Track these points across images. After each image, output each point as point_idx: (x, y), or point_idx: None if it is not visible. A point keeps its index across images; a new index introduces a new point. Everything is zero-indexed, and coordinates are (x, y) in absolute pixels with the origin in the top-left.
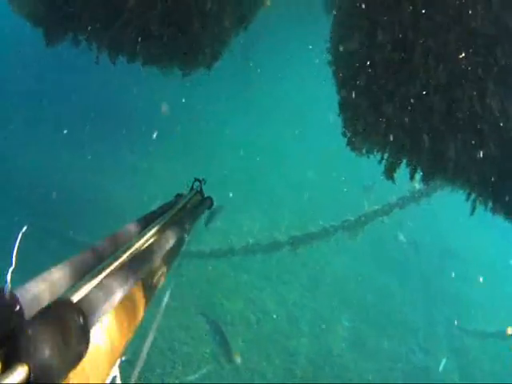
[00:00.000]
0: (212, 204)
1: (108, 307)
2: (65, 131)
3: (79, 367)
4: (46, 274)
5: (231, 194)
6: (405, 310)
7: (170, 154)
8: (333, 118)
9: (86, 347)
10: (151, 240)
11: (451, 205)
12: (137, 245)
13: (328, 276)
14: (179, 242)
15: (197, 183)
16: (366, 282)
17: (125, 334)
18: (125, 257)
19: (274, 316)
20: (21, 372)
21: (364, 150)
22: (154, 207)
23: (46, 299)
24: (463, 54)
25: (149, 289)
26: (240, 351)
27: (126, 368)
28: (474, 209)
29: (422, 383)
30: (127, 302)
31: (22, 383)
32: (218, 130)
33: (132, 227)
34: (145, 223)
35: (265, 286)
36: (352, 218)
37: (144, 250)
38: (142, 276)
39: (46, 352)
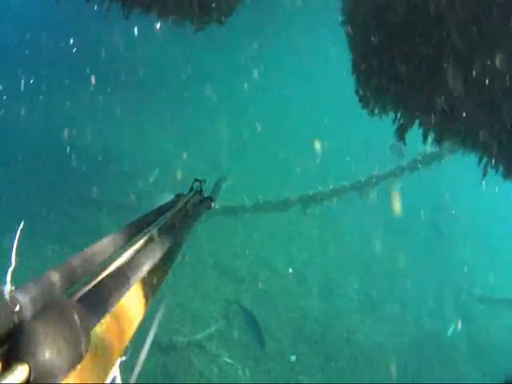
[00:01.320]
0: (212, 204)
1: (108, 307)
2: (77, 92)
3: (79, 367)
4: (46, 274)
5: (244, 158)
6: (414, 275)
7: (180, 115)
8: (345, 81)
9: (86, 347)
10: (152, 240)
11: (464, 171)
12: (137, 244)
13: (338, 237)
14: (180, 242)
15: (197, 183)
16: (376, 244)
17: (125, 333)
18: (125, 257)
19: (283, 275)
20: (21, 372)
21: (376, 110)
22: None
23: (46, 299)
24: (478, 17)
25: (149, 288)
26: (249, 310)
27: (126, 368)
28: (485, 173)
29: (430, 348)
30: (127, 302)
31: (22, 383)
32: (229, 93)
33: (133, 226)
34: (145, 223)
35: (274, 244)
36: (362, 179)
37: (144, 249)
38: (142, 276)
39: (47, 352)
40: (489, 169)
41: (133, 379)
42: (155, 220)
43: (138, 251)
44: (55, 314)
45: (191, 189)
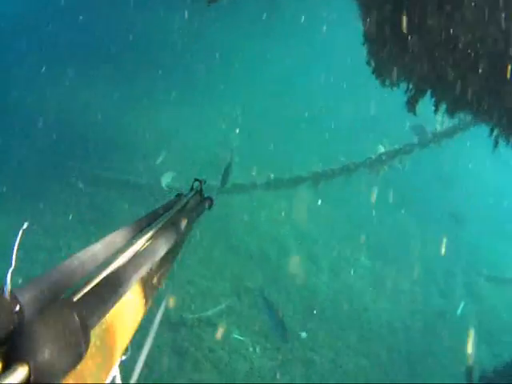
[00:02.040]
0: (212, 204)
1: (108, 307)
2: (85, 70)
3: (79, 367)
4: (46, 274)
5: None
6: (424, 252)
7: (190, 93)
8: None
9: (86, 347)
10: (151, 240)
11: (475, 147)
12: (137, 244)
13: (348, 215)
14: (180, 242)
15: (197, 183)
16: (387, 222)
17: (125, 333)
18: (125, 257)
19: (294, 252)
20: (21, 372)
21: (388, 81)
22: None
23: (46, 299)
24: None
25: (149, 289)
26: (259, 287)
27: (126, 368)
28: (496, 144)
29: (439, 326)
30: (127, 302)
31: (22, 383)
32: (239, 70)
33: (132, 227)
34: (145, 223)
35: (285, 222)
36: (373, 156)
37: (144, 249)
38: (142, 276)
39: (47, 352)
40: (500, 140)
41: (133, 379)
42: (155, 220)
43: (138, 251)
44: (55, 314)
45: (191, 189)
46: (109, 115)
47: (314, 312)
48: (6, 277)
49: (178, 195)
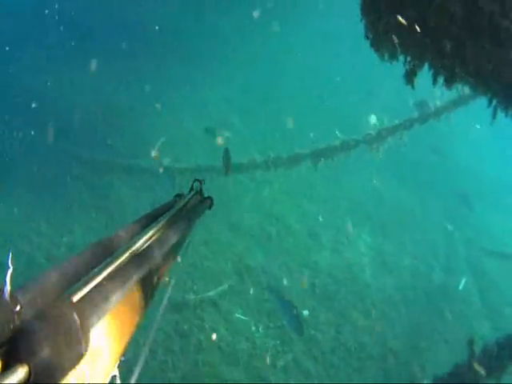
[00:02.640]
0: (212, 204)
1: (108, 307)
2: (90, 55)
3: (79, 367)
4: (46, 274)
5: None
6: (426, 228)
7: (189, 73)
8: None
9: (86, 347)
10: (151, 240)
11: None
12: (137, 245)
13: (349, 191)
14: (179, 242)
15: (197, 183)
16: (387, 198)
17: (125, 333)
18: (125, 257)
19: (295, 230)
20: (21, 372)
21: (386, 54)
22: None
23: (46, 299)
24: None
25: (149, 289)
26: (260, 265)
27: (126, 368)
28: (494, 115)
29: (441, 301)
30: (127, 302)
31: (22, 383)
32: (237, 49)
33: (132, 227)
34: (145, 223)
35: (285, 200)
36: (373, 133)
37: (144, 249)
38: (142, 276)
39: (46, 352)
40: (498, 111)
41: (133, 379)
42: (155, 220)
43: (138, 251)
44: (55, 314)
45: (191, 189)
46: (109, 100)
47: (316, 290)
48: (6, 277)
49: (178, 195)
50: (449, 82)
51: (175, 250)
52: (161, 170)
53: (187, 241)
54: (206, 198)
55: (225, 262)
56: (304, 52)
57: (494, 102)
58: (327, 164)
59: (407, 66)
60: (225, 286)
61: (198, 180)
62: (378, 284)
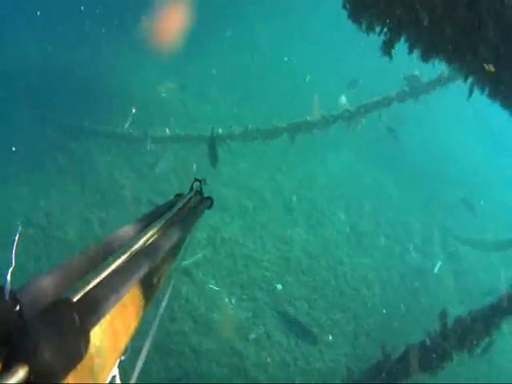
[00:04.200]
0: (212, 204)
1: (108, 307)
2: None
3: (79, 367)
4: (46, 274)
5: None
6: (401, 209)
7: (170, 48)
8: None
9: (86, 347)
10: (151, 240)
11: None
12: (137, 245)
13: (326, 169)
14: (179, 242)
15: (197, 183)
16: (364, 178)
17: (125, 333)
18: (125, 257)
19: (271, 204)
20: (21, 372)
21: (364, 25)
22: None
23: (46, 299)
24: None
25: (149, 289)
26: (236, 238)
27: (126, 368)
28: (470, 92)
29: (416, 282)
30: (127, 302)
31: (22, 383)
32: (219, 25)
33: (132, 227)
34: (145, 223)
35: (262, 174)
36: (351, 109)
37: (144, 249)
38: (142, 276)
39: (46, 352)
40: (474, 89)
41: (133, 379)
42: (155, 220)
43: (138, 251)
44: (55, 314)
45: (191, 189)
46: (87, 68)
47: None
48: (6, 276)
49: (178, 195)
50: (425, 55)
51: (175, 250)
52: (149, 145)
53: (187, 241)
54: (205, 198)
55: (200, 233)
56: (285, 26)
57: (471, 79)
58: (305, 139)
59: (384, 37)
60: (199, 256)
61: (198, 180)
62: (352, 262)
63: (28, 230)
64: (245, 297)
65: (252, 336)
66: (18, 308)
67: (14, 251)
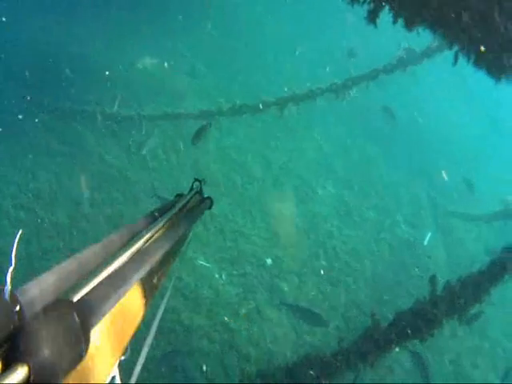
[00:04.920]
0: (212, 204)
1: (108, 307)
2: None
3: (79, 367)
4: (46, 274)
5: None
6: (390, 182)
7: (157, 23)
8: None
9: (86, 347)
10: (152, 240)
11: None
12: (137, 245)
13: (313, 142)
14: (180, 242)
15: (197, 183)
16: (352, 150)
17: (125, 333)
18: (125, 256)
19: (260, 179)
20: (21, 372)
21: None
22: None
23: (46, 299)
24: None
25: (149, 289)
26: (225, 213)
27: (126, 368)
28: (456, 60)
29: (406, 255)
30: (127, 302)
31: (22, 383)
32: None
33: (132, 227)
34: (145, 223)
35: (251, 149)
36: (339, 82)
37: (144, 249)
38: (142, 276)
39: (46, 352)
40: (459, 57)
41: (133, 379)
42: (155, 221)
43: (138, 251)
44: (55, 314)
45: (191, 189)
46: (74, 49)
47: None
48: (6, 277)
49: (178, 195)
50: (409, 24)
51: (175, 250)
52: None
53: (187, 241)
54: (205, 198)
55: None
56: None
57: (456, 47)
58: (293, 114)
59: (369, 6)
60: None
61: (197, 180)
62: (341, 235)
63: (18, 212)
64: (235, 272)
65: (243, 311)
66: (17, 308)
67: (13, 252)
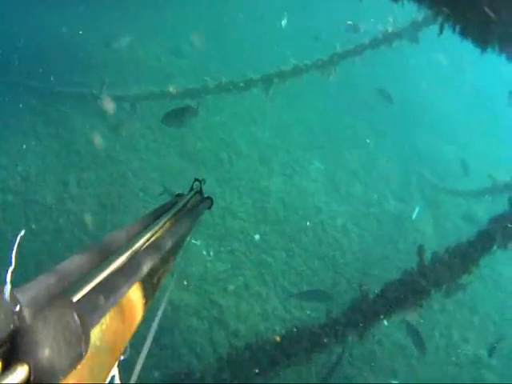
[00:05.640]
0: (212, 204)
1: (108, 307)
2: None
3: (79, 367)
4: (46, 274)
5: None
6: (378, 157)
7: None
8: None
9: (86, 347)
10: (151, 240)
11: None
12: (137, 245)
13: (300, 117)
14: (179, 242)
15: (197, 183)
16: (339, 126)
17: (125, 333)
18: (125, 256)
19: (246, 156)
20: (21, 372)
21: None
22: None
23: (46, 299)
24: None
25: (149, 288)
26: (212, 190)
27: (126, 368)
28: (441, 30)
29: (394, 230)
30: (127, 302)
31: (22, 383)
32: None
33: (132, 227)
34: (145, 223)
35: (237, 126)
36: (325, 58)
37: (144, 249)
38: (142, 276)
39: (46, 352)
40: (445, 27)
41: (133, 379)
42: (155, 221)
43: (137, 252)
44: (55, 313)
45: (191, 189)
46: (58, 30)
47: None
48: (6, 277)
49: (178, 195)
50: None
51: (175, 249)
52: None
53: (187, 241)
54: (205, 198)
55: (176, 188)
56: None
57: (441, 17)
58: (279, 90)
59: None
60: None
61: (198, 180)
62: (329, 210)
63: (6, 196)
64: (222, 249)
65: (231, 287)
66: (17, 308)
67: (14, 252)
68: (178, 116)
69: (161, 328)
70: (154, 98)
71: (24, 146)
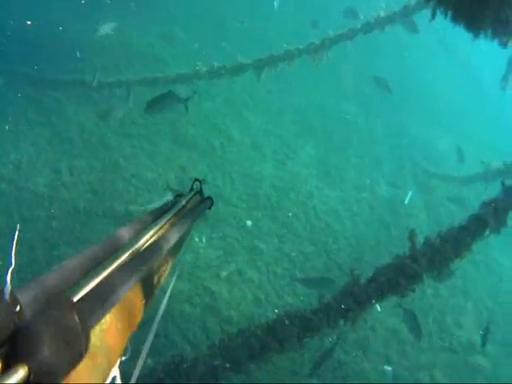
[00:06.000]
0: (212, 204)
1: (108, 307)
2: None
3: (79, 367)
4: (46, 274)
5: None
6: (370, 142)
7: None
8: None
9: (86, 347)
10: (151, 240)
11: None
12: (137, 245)
13: (292, 103)
14: (179, 242)
15: (197, 183)
16: (331, 112)
17: (125, 333)
18: (125, 256)
19: (238, 142)
20: (21, 372)
21: None
22: None
23: (46, 299)
24: None
25: (149, 289)
26: (205, 176)
27: (126, 368)
28: (433, 15)
29: (387, 214)
30: (127, 302)
31: (22, 383)
32: None
33: (132, 227)
34: (145, 223)
35: (229, 112)
36: (317, 42)
37: (144, 250)
38: (142, 276)
39: (46, 352)
40: (437, 12)
41: (133, 379)
42: (155, 221)
43: (138, 252)
44: (55, 314)
45: (191, 189)
46: (51, 17)
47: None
48: (7, 277)
49: (178, 195)
50: None
51: (175, 249)
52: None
53: (187, 240)
54: (205, 198)
55: (169, 174)
56: None
57: (433, 2)
58: (271, 75)
59: None
60: (168, 197)
61: (198, 180)
62: (321, 196)
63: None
64: (215, 235)
65: (223, 274)
66: (18, 308)
67: (13, 252)
68: (159, 103)
69: (153, 316)
70: (144, 83)
71: (16, 134)
